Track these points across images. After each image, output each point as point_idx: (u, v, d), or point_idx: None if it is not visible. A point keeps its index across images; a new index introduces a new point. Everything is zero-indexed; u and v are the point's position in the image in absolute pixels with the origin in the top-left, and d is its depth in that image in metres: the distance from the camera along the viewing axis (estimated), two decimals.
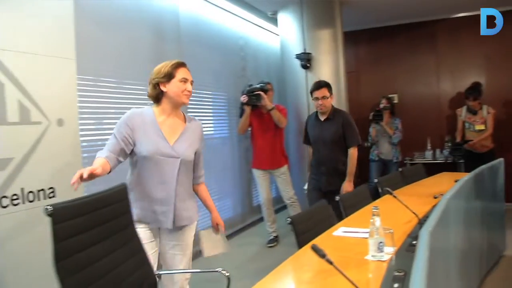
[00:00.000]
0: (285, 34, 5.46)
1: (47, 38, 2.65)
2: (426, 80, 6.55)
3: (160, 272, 2.00)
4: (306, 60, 5.12)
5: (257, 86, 4.59)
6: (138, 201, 2.25)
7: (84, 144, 3.10)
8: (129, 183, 2.27)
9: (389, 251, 1.86)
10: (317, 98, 3.70)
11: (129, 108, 3.88)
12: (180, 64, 2.33)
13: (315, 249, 1.29)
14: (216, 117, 5.22)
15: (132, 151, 2.26)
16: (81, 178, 1.77)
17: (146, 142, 2.23)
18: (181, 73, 2.30)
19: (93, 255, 1.52)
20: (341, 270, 1.25)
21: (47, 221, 2.42)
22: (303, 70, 5.17)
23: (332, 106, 3.80)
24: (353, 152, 3.70)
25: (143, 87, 3.84)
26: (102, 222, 1.61)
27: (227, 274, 1.85)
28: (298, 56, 5.14)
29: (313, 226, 2.32)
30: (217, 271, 1.88)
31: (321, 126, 3.81)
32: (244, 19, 5.64)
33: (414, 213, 2.23)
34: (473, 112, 5.52)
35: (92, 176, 1.85)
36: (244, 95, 4.60)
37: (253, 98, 4.53)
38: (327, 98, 3.69)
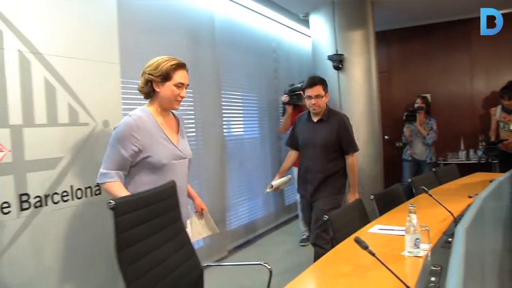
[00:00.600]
0: (317, 35, 5.51)
1: (93, 44, 2.81)
2: (460, 79, 6.48)
3: (207, 264, 2.10)
4: (338, 61, 5.16)
5: (298, 85, 4.64)
6: None
7: None
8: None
9: (425, 248, 1.91)
10: (310, 97, 3.19)
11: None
12: (180, 66, 2.14)
13: (358, 241, 1.35)
14: (247, 118, 5.32)
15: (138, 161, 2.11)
16: None
17: (160, 149, 2.10)
18: (178, 76, 2.13)
19: (148, 246, 1.64)
20: (382, 261, 1.31)
21: (95, 216, 2.60)
22: (335, 71, 5.20)
23: (327, 106, 3.32)
24: (352, 161, 3.26)
25: None
26: (155, 216, 1.74)
27: (269, 267, 1.93)
28: (330, 58, 5.18)
29: (349, 223, 2.38)
30: (260, 264, 1.96)
31: (312, 128, 3.29)
32: (277, 21, 5.73)
33: (449, 211, 2.26)
34: (508, 111, 5.43)
35: None
36: (286, 95, 4.67)
37: (294, 97, 4.60)
38: (322, 97, 3.20)
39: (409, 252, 1.88)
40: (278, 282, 3.53)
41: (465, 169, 4.82)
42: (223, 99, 4.59)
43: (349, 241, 2.11)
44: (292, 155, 3.54)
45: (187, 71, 2.19)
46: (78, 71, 2.68)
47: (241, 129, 5.19)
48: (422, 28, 6.56)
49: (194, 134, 4.13)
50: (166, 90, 2.11)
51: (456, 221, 2.17)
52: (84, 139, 2.69)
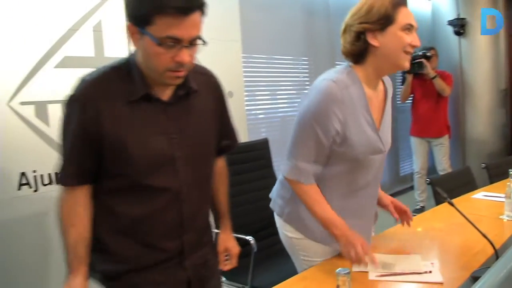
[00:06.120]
0: None
1: (216, 24, 3.17)
2: None
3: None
4: (460, 26, 4.92)
5: (419, 53, 4.45)
6: None
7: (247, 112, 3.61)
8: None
9: None
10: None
11: (289, 81, 4.26)
12: (402, 1, 1.45)
13: (439, 191, 1.48)
14: None
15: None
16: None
17: (360, 138, 1.46)
18: (404, 16, 1.43)
19: None
20: (459, 209, 1.43)
21: None
22: (456, 37, 4.99)
23: None
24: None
25: (295, 62, 4.25)
26: None
27: (252, 241, 2.06)
28: (451, 22, 4.96)
29: (453, 188, 2.44)
30: (244, 238, 2.04)
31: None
32: None
33: None
34: None
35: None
36: None
37: (415, 65, 4.43)
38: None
39: (507, 216, 1.92)
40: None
41: None
42: None
43: (447, 204, 2.19)
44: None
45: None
46: (205, 49, 3.06)
47: None
48: None
49: None
50: (390, 39, 1.42)
51: None
52: None
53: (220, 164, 1.52)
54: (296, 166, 1.48)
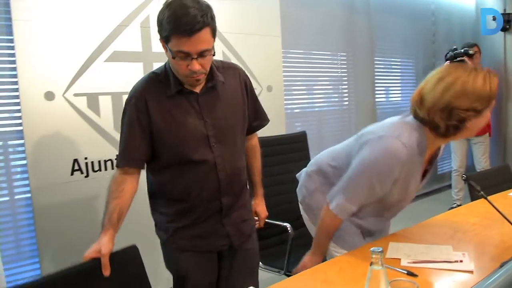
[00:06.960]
0: None
1: (258, 20, 3.27)
2: None
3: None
4: (506, 22, 4.80)
5: (461, 50, 4.27)
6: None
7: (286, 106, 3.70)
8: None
9: None
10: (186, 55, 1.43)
11: (326, 76, 4.31)
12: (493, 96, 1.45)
13: (472, 184, 1.52)
14: (404, 85, 5.34)
15: None
16: None
17: (400, 192, 1.62)
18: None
19: None
20: (491, 202, 1.47)
21: None
22: (501, 33, 4.87)
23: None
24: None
25: (333, 57, 4.29)
26: None
27: (289, 230, 2.16)
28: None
29: (490, 186, 2.42)
30: (282, 225, 2.17)
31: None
32: None
33: None
34: None
35: None
36: (447, 61, 4.54)
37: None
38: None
39: None
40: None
41: None
42: (376, 65, 4.72)
43: (483, 201, 2.20)
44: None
45: None
46: (245, 44, 3.19)
47: (397, 96, 5.25)
48: None
49: (346, 102, 4.42)
50: (480, 121, 1.46)
51: None
52: None
53: (253, 142, 1.85)
54: (343, 206, 1.60)
